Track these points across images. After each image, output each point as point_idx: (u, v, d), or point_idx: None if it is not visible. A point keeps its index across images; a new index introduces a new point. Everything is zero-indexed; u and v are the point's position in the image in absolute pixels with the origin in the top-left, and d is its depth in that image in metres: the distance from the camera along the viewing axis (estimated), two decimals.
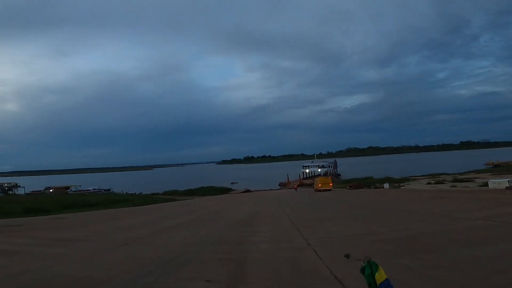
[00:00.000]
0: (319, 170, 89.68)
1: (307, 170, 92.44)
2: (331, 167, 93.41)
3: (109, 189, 73.80)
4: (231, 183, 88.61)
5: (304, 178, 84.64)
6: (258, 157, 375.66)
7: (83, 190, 73.32)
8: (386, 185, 36.16)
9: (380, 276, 2.43)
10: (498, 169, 61.08)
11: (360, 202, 20.29)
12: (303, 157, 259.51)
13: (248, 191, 62.53)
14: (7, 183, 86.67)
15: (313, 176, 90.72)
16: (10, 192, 74.56)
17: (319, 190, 39.51)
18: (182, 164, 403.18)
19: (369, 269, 2.47)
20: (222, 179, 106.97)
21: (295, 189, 51.97)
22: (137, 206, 30.47)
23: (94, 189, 75.06)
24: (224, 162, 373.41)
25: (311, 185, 69.80)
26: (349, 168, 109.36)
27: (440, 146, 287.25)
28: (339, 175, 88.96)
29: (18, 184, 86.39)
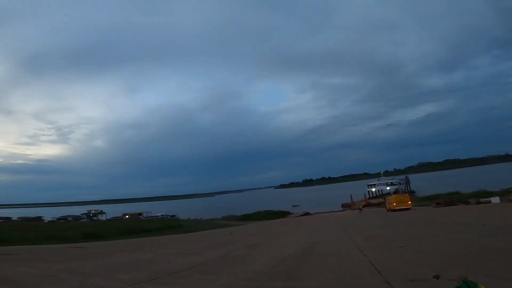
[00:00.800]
0: (388, 188, 78.40)
1: (374, 189, 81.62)
2: (402, 183, 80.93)
3: (174, 215, 76.38)
4: (293, 206, 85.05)
5: (370, 198, 74.27)
6: (317, 179, 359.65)
7: (153, 216, 76.60)
8: (496, 199, 27.13)
9: None
10: None
11: (472, 223, 13.63)
12: (366, 176, 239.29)
13: (307, 214, 56.23)
14: (94, 210, 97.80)
15: (380, 195, 79.69)
16: (95, 218, 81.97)
17: (394, 210, 32.42)
18: (241, 190, 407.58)
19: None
20: (281, 203, 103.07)
21: (360, 209, 45.46)
22: (184, 234, 28.09)
23: (162, 215, 78.06)
24: (282, 186, 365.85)
25: (380, 204, 60.28)
26: (424, 184, 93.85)
27: None
28: (414, 192, 75.93)
29: (102, 211, 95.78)
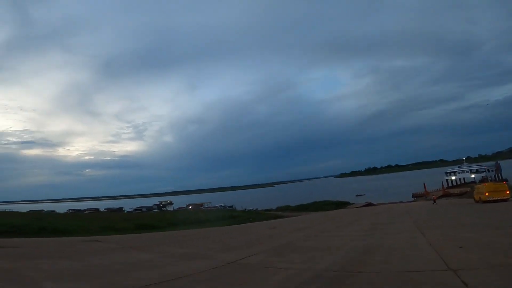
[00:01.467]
0: (473, 176, 65.76)
1: (453, 177, 69.54)
2: (492, 171, 67.01)
3: (232, 206, 78.05)
4: (356, 195, 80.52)
5: (449, 187, 63.17)
6: (381, 167, 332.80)
7: (213, 207, 79.49)
8: None
9: None
10: None
11: None
12: (442, 163, 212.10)
13: (370, 204, 50.08)
14: (164, 201, 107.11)
15: (461, 184, 67.32)
16: (164, 208, 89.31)
17: (486, 201, 25.86)
18: (299, 180, 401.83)
19: None
20: (342, 192, 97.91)
21: (434, 201, 38.64)
22: (231, 226, 26.84)
23: (220, 206, 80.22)
24: (343, 175, 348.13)
25: (462, 195, 50.36)
26: None
27: None
28: (506, 180, 61.87)
29: (171, 202, 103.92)
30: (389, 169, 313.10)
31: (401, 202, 50.96)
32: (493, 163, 73.08)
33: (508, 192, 26.20)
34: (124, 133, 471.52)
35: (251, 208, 65.09)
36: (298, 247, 9.03)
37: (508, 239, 7.53)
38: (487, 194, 26.31)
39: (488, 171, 66.27)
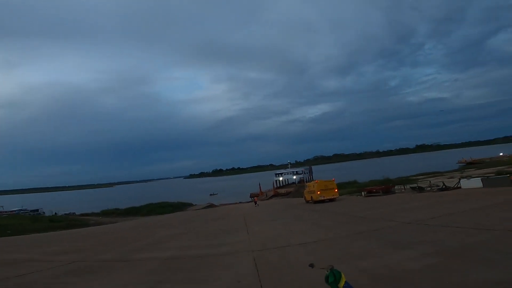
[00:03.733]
0: (294, 177, 77.28)
1: (281, 178, 79.27)
2: (307, 173, 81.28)
3: (37, 210, 61.63)
4: (210, 194, 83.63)
5: (278, 187, 70.99)
6: (226, 169, 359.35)
7: (7, 211, 59.78)
8: (472, 182, 19.55)
9: (342, 282, 2.42)
10: (477, 165, 56.20)
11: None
12: (272, 167, 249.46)
13: (211, 206, 47.36)
14: None
15: (286, 185, 77.90)
16: None
17: (317, 202, 24.96)
18: (148, 180, 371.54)
19: (332, 277, 2.45)
20: (192, 193, 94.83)
21: (255, 202, 35.63)
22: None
23: (20, 210, 62.35)
24: (192, 176, 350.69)
25: (287, 194, 56.96)
26: (322, 175, 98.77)
27: (398, 150, 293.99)
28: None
29: None
30: (233, 171, 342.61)
31: (240, 202, 51.42)
32: (307, 167, 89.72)
33: (336, 190, 26.41)
34: None
35: (66, 212, 52.46)
36: None
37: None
38: (319, 193, 25.14)
39: (305, 173, 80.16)
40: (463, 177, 23.54)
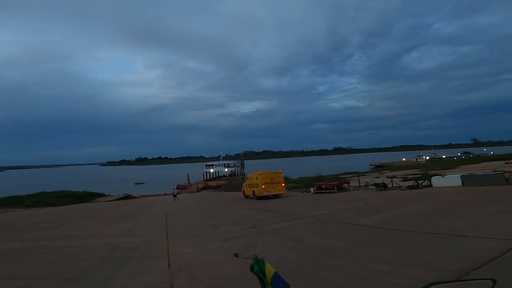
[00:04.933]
0: (226, 170, 73.90)
1: (212, 170, 74.79)
2: (239, 166, 78.85)
3: None
4: (136, 183, 77.41)
5: (208, 179, 66.48)
6: (153, 158, 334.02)
7: None
8: (451, 179, 17.38)
9: (269, 270, 2.40)
10: (383, 168, 63.53)
11: None
12: (202, 159, 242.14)
13: (128, 197, 40.04)
14: None
15: (217, 177, 73.96)
16: None
17: (260, 197, 20.99)
18: (51, 166, 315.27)
19: (257, 266, 2.44)
20: (111, 182, 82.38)
21: (175, 196, 29.59)
22: None
23: None
24: (111, 163, 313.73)
25: (218, 187, 53.10)
26: (253, 169, 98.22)
27: (319, 151, 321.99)
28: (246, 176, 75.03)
29: None
30: (160, 160, 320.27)
31: (165, 194, 45.15)
32: (239, 160, 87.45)
33: (284, 185, 22.32)
34: None
35: None
36: None
37: None
38: (263, 187, 20.82)
39: (237, 166, 77.57)
40: (435, 175, 21.33)
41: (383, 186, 19.50)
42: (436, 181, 18.05)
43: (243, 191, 24.37)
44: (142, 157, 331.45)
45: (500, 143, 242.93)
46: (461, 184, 16.33)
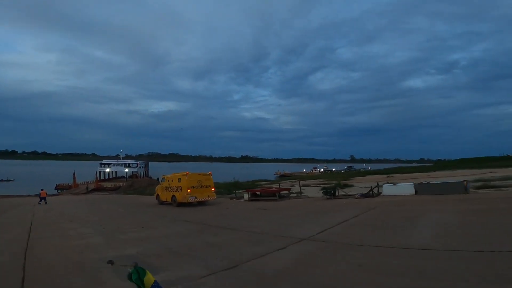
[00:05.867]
0: (126, 170, 64.30)
1: (108, 170, 63.88)
2: (142, 167, 70.17)
3: None
4: (1, 180, 61.86)
5: (102, 180, 56.10)
6: (25, 152, 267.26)
7: None
8: (390, 188, 17.08)
9: (148, 279, 2.31)
10: (288, 178, 68.41)
11: None
12: (94, 157, 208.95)
13: None
14: None
15: (114, 178, 63.38)
16: None
17: (181, 204, 17.28)
18: None
19: (136, 274, 2.33)
20: None
21: (42, 199, 22.53)
22: None
23: None
24: None
25: (115, 189, 44.90)
26: (159, 171, 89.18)
27: (227, 158, 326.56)
28: (151, 178, 66.98)
29: None
30: (36, 156, 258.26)
31: (36, 195, 34.69)
32: (143, 161, 77.92)
33: (214, 189, 18.88)
34: None
35: None
36: None
37: None
38: (189, 191, 16.95)
39: (140, 167, 68.65)
40: (388, 182, 20.31)
41: (333, 194, 17.64)
42: (387, 189, 16.94)
43: (157, 195, 20.08)
44: (10, 150, 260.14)
45: (369, 161, 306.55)
46: (414, 193, 15.62)
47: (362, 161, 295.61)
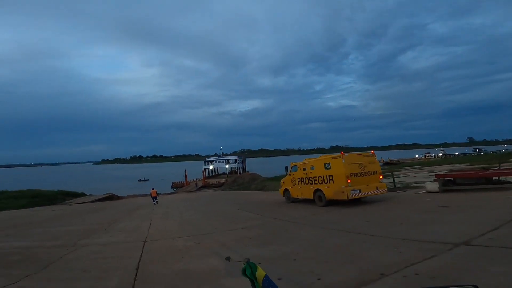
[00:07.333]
0: (227, 166, 65.73)
1: (211, 167, 66.65)
2: (240, 163, 70.89)
3: None
4: (139, 180, 73.96)
5: (208, 177, 58.27)
6: (147, 157, 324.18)
7: None
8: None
9: (260, 273, 2.22)
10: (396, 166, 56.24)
11: None
12: (198, 157, 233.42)
13: (111, 197, 31.83)
14: None
15: (216, 175, 65.70)
16: None
17: (332, 201, 11.81)
18: (43, 164, 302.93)
19: (249, 269, 2.26)
20: (107, 180, 77.52)
21: (154, 199, 21.72)
22: None
23: None
24: (105, 162, 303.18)
25: (220, 185, 45.18)
26: (253, 166, 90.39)
27: (316, 149, 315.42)
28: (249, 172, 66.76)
29: None
30: (154, 158, 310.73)
31: (158, 195, 36.79)
32: (241, 157, 79.40)
33: (382, 177, 12.32)
34: None
35: None
36: None
37: None
38: (349, 181, 11.13)
39: (238, 162, 69.58)
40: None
41: None
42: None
43: (285, 189, 15.07)
44: (137, 155, 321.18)
45: (496, 142, 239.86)
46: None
47: (486, 143, 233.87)
